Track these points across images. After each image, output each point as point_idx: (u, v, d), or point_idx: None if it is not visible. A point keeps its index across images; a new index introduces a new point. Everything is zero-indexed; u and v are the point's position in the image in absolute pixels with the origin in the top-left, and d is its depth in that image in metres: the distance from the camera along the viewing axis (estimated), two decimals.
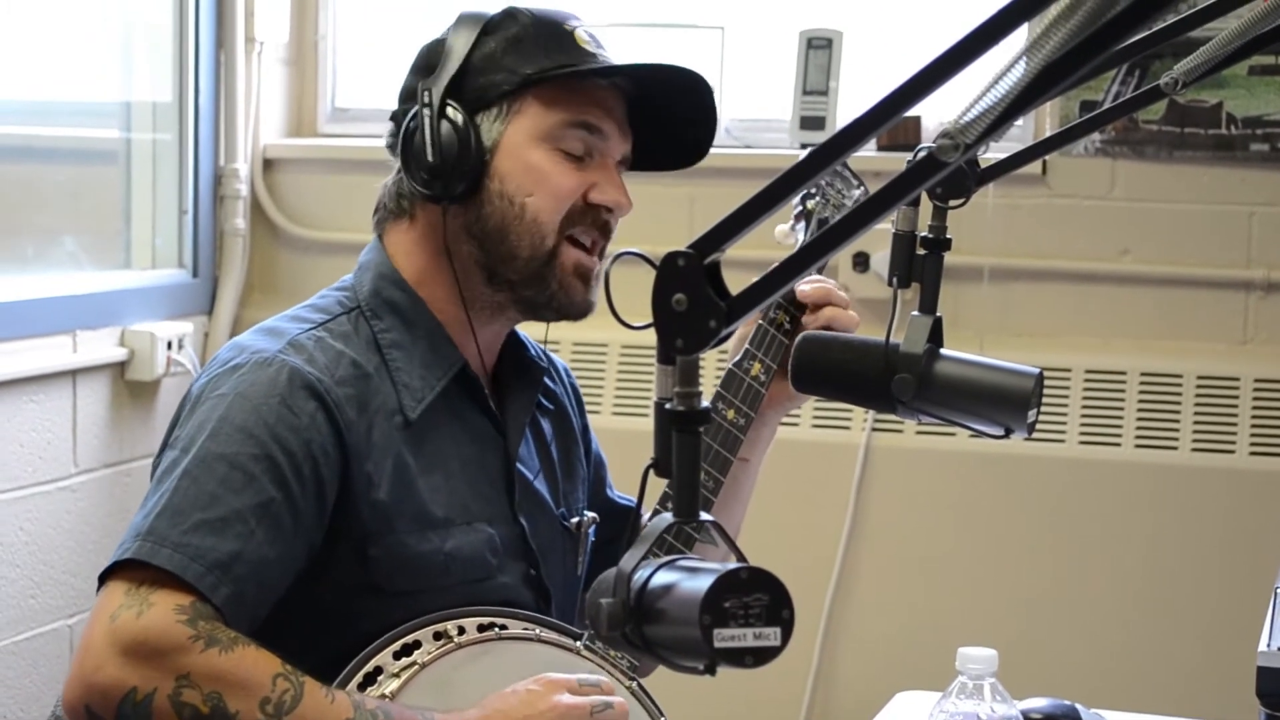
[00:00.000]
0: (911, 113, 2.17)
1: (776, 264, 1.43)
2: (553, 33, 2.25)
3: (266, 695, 1.98)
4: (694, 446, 1.43)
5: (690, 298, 1.37)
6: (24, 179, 4.05)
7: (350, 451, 2.13)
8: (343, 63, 4.61)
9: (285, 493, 2.07)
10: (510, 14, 2.26)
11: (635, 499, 2.44)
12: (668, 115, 2.30)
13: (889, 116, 1.38)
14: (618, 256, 2.16)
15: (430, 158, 2.19)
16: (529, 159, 2.22)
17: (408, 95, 2.27)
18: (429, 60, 2.26)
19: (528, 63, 2.22)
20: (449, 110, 2.20)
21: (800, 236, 2.43)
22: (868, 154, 3.84)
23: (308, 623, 2.12)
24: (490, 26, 2.24)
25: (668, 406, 1.41)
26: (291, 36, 4.54)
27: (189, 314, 4.26)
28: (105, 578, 2.04)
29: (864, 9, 4.17)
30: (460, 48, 2.23)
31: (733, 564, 1.41)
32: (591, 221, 2.24)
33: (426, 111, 2.19)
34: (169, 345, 4.09)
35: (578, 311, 2.27)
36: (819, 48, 4.09)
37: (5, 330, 3.69)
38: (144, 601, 1.99)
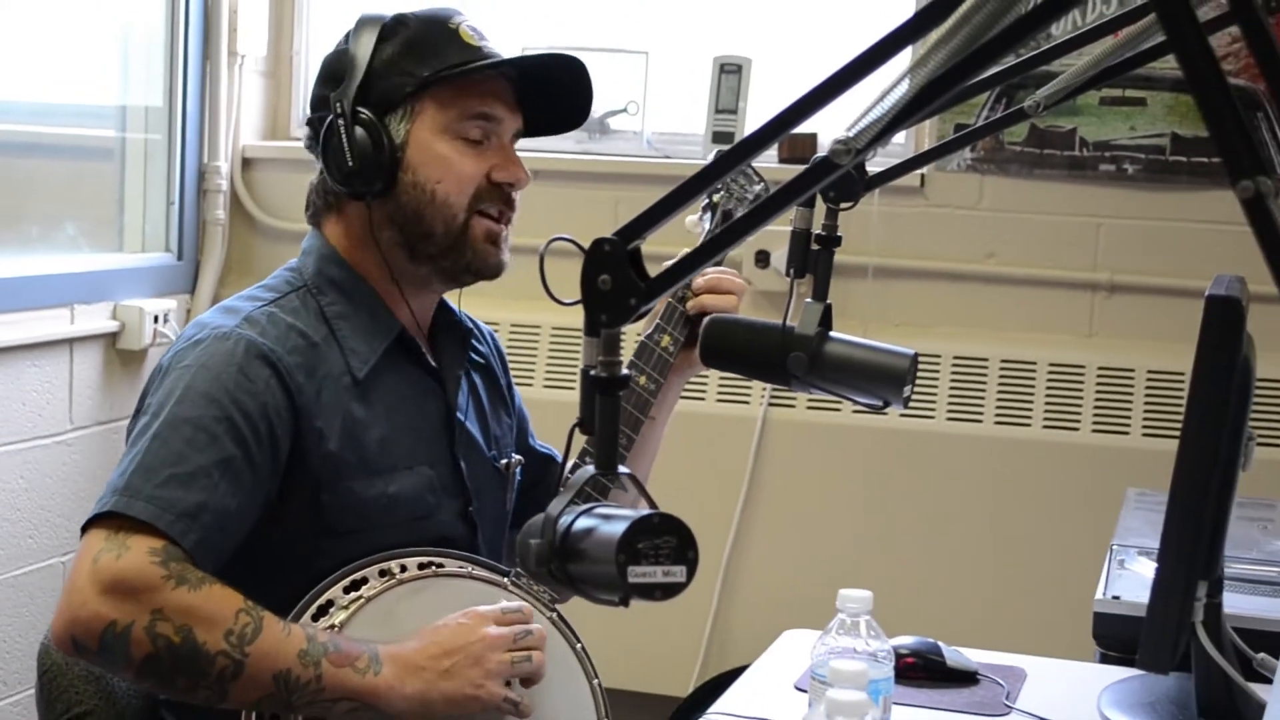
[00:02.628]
0: (809, 130, 2.18)
1: (689, 251, 1.44)
2: (441, 33, 2.23)
3: (230, 628, 1.97)
4: (614, 408, 1.43)
5: (614, 278, 1.38)
6: (30, 171, 4.02)
7: (301, 411, 2.12)
8: (314, 75, 4.57)
9: (244, 450, 2.06)
10: (401, 20, 2.24)
11: (560, 453, 2.45)
12: (550, 90, 2.30)
13: (786, 127, 1.39)
14: (551, 241, 2.15)
15: (350, 162, 2.18)
16: (435, 150, 2.21)
17: (320, 104, 2.26)
18: (336, 70, 2.25)
19: (423, 65, 2.21)
20: (360, 116, 2.19)
21: (706, 225, 2.43)
22: (770, 165, 3.84)
23: (268, 563, 2.10)
24: (385, 33, 2.23)
25: (593, 373, 1.42)
26: (269, 51, 4.51)
27: (174, 292, 4.24)
28: (87, 527, 2.02)
29: (772, 38, 4.18)
30: (362, 56, 2.21)
31: (645, 510, 1.42)
32: (497, 197, 2.24)
33: (340, 121, 2.19)
34: (156, 319, 4.07)
35: (491, 271, 2.27)
36: (730, 72, 4.10)
37: (11, 303, 3.67)
38: (122, 545, 1.97)
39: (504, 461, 2.38)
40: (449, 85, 2.21)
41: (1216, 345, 2.00)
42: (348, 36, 2.27)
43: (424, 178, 2.21)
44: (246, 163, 4.47)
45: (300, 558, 2.13)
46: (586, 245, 1.40)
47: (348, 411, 2.17)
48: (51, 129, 4.13)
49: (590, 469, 1.46)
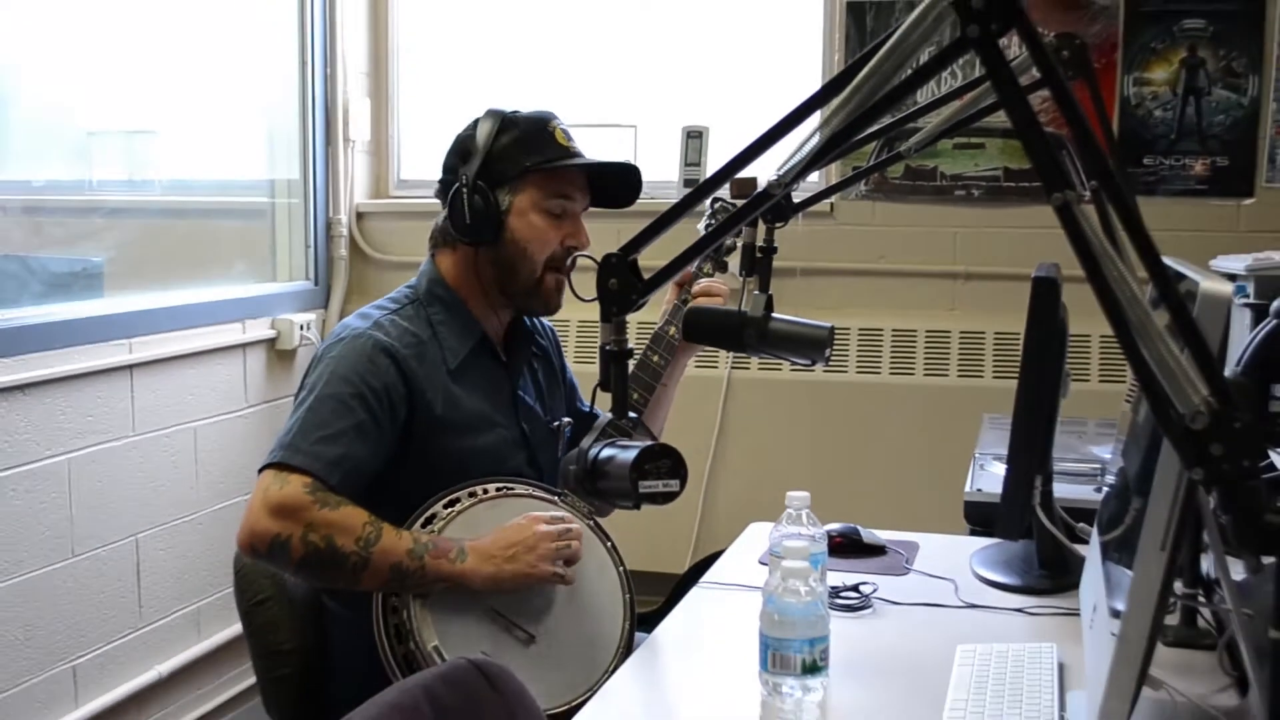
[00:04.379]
0: (750, 174, 2.18)
1: (670, 261, 1.44)
2: (542, 133, 2.22)
3: (359, 535, 1.99)
4: (623, 373, 1.43)
5: (620, 281, 1.38)
6: (211, 228, 4.02)
7: (413, 388, 2.12)
8: (405, 152, 4.58)
9: (371, 416, 2.07)
10: (513, 120, 2.22)
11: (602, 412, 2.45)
12: (614, 181, 2.29)
13: (734, 170, 1.39)
14: (574, 259, 2.17)
15: (468, 220, 2.19)
16: (529, 220, 2.21)
17: (450, 171, 2.24)
18: (464, 150, 2.23)
19: (527, 156, 2.19)
20: (479, 188, 2.18)
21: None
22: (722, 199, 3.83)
23: (391, 496, 2.10)
24: (503, 127, 2.21)
25: (607, 348, 1.42)
26: (373, 136, 4.50)
27: (313, 308, 4.24)
28: (262, 470, 2.05)
29: (727, 111, 4.17)
30: (484, 143, 2.20)
31: (649, 442, 1.43)
32: (564, 256, 2.24)
33: (464, 190, 2.19)
34: (301, 327, 4.06)
35: (550, 312, 2.29)
36: (695, 137, 4.09)
37: (201, 320, 3.67)
38: (284, 481, 2.00)
39: (555, 424, 2.37)
40: (543, 173, 2.20)
41: (1041, 311, 2.00)
42: (476, 123, 2.25)
43: (520, 238, 2.21)
44: (360, 215, 4.46)
45: (413, 493, 2.13)
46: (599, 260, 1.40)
47: (447, 388, 2.17)
48: (224, 198, 4.13)
49: (608, 415, 1.46)
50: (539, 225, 2.21)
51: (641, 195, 2.17)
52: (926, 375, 3.94)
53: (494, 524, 2.10)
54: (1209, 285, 1.28)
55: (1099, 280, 1.14)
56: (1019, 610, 2.10)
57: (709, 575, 2.31)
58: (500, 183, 2.20)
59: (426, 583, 2.02)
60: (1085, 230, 1.13)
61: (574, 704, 1.95)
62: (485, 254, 2.22)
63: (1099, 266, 1.13)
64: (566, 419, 2.39)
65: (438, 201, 2.28)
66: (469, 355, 2.22)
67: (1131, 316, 1.13)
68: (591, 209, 2.31)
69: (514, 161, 2.20)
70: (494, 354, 2.28)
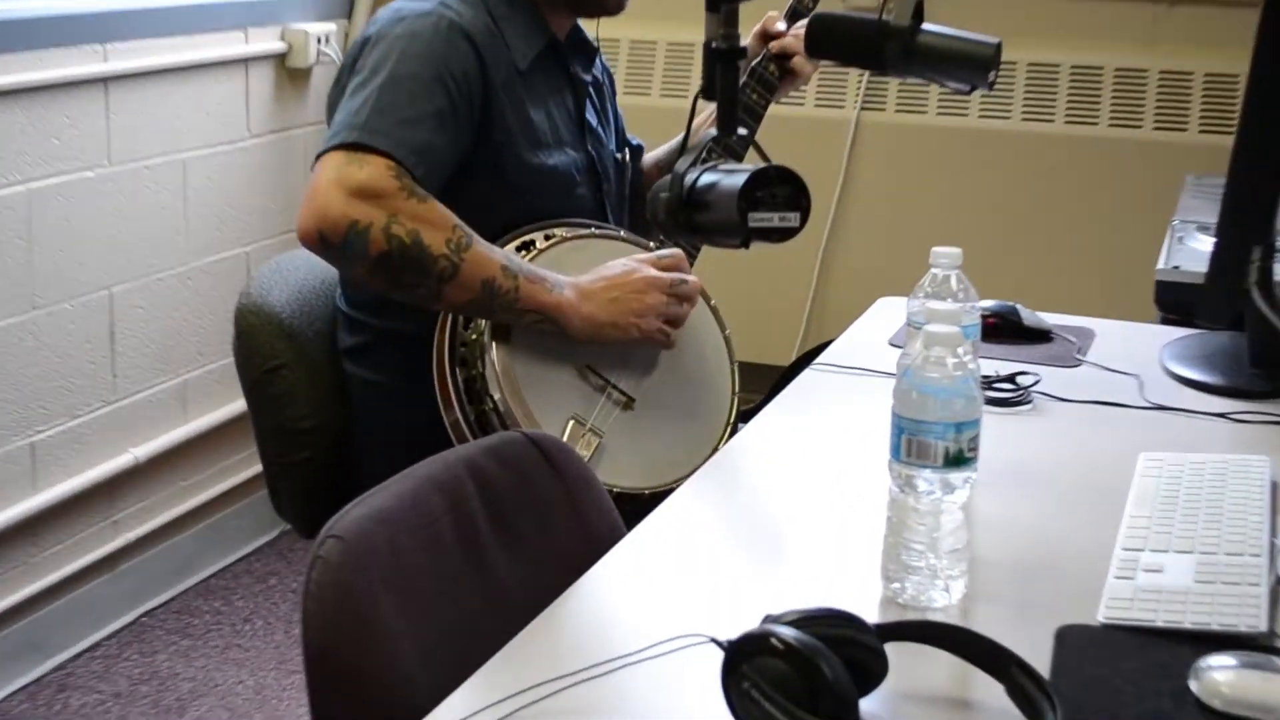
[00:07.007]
0: None
1: None
2: None
3: (449, 236, 2.04)
4: (734, 77, 1.40)
5: None
6: None
7: (489, 82, 2.16)
8: None
9: (452, 104, 2.11)
10: None
11: (645, 146, 2.49)
12: None
13: None
14: None
15: None
16: None
17: None
18: None
19: None
20: None
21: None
22: None
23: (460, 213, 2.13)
24: None
25: (714, 45, 1.39)
26: None
27: (334, 16, 4.20)
28: (322, 155, 2.07)
29: None
30: None
31: (762, 164, 1.40)
32: None
33: None
34: (319, 40, 4.04)
35: (615, 10, 2.31)
36: None
37: (197, 26, 3.65)
38: (362, 162, 2.03)
39: (620, 154, 2.43)
40: None
41: (1274, 36, 1.93)
42: None
43: None
44: None
45: (481, 211, 2.15)
46: None
47: (516, 93, 2.21)
48: None
49: (711, 131, 1.44)
50: None
51: None
52: (1113, 125, 3.87)
53: (583, 266, 2.16)
54: None
55: None
56: (1222, 416, 2.08)
57: (826, 356, 2.31)
58: None
59: (516, 310, 2.09)
60: None
61: (677, 485, 1.98)
62: None
63: None
64: (631, 145, 2.44)
65: None
66: (536, 59, 2.25)
67: None
68: None
69: None
70: (563, 65, 2.32)
